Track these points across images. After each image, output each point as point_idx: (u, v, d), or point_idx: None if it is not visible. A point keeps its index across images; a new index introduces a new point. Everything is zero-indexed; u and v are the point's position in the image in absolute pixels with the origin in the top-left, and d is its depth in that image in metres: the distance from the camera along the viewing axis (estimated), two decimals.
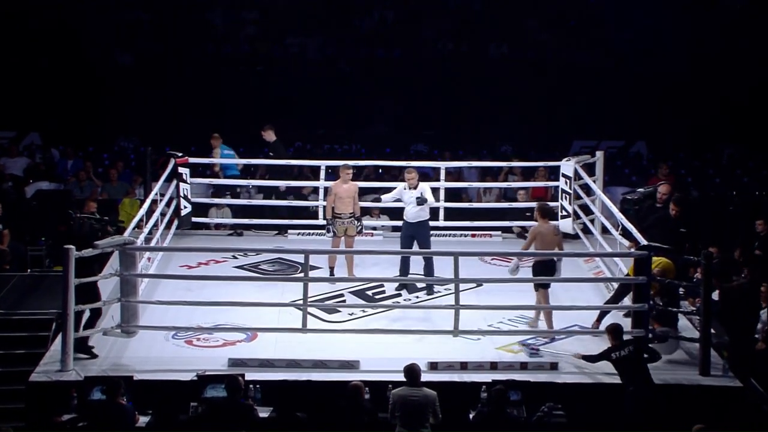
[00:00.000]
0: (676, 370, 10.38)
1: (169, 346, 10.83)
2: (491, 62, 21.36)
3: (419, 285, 12.42)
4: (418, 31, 21.72)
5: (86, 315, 10.47)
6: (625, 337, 10.06)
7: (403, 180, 12.62)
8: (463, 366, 10.25)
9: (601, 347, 10.30)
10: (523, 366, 10.31)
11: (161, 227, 13.19)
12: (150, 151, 14.44)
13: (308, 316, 10.86)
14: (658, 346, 10.37)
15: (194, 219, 14.51)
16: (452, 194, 14.91)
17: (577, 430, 9.55)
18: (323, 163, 14.65)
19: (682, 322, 11.12)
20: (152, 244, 12.52)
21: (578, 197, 13.95)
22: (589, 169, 14.08)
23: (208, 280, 12.12)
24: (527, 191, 15.04)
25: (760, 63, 19.72)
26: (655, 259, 10.62)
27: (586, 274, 13.04)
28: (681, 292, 11.38)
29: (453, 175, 15.80)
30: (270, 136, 14.83)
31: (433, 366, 10.18)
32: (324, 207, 13.46)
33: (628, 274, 11.16)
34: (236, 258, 13.54)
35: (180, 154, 14.13)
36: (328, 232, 12.69)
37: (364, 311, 11.68)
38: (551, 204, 13.92)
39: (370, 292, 12.37)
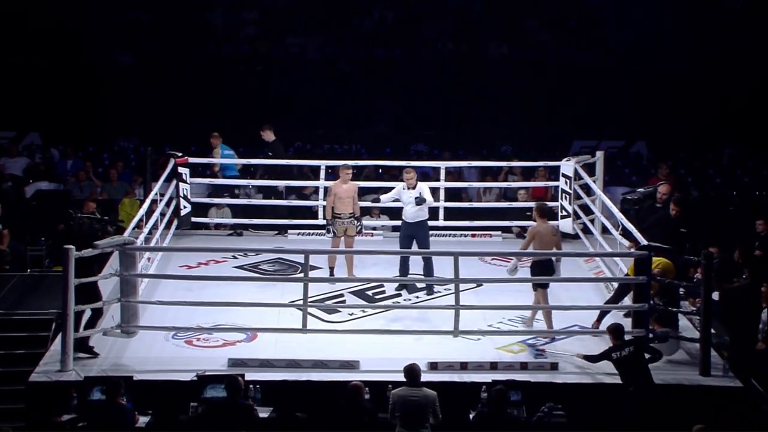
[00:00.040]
0: (677, 370, 10.38)
1: (169, 347, 10.82)
2: (491, 62, 21.35)
3: (419, 285, 12.41)
4: (418, 31, 21.72)
5: (87, 315, 10.47)
6: (626, 337, 10.05)
7: (402, 180, 12.62)
8: (463, 366, 10.24)
9: (601, 347, 10.30)
10: (523, 366, 10.31)
11: (161, 227, 13.18)
12: (150, 151, 14.44)
13: (308, 316, 10.86)
14: (659, 346, 10.36)
15: (194, 219, 14.50)
16: (452, 194, 14.91)
17: (577, 430, 9.55)
18: (323, 163, 14.64)
19: (683, 322, 11.12)
20: (152, 244, 12.51)
21: (578, 197, 13.94)
22: (589, 169, 14.08)
23: (208, 280, 12.11)
24: (527, 191, 15.03)
25: (760, 63, 19.71)
26: (654, 259, 10.62)
27: (587, 274, 13.04)
28: (681, 293, 11.37)
29: (453, 175, 15.79)
30: (269, 136, 14.83)
31: (433, 366, 10.17)
32: (324, 207, 13.46)
33: (627, 274, 11.16)
34: (236, 258, 13.54)
35: (180, 154, 14.13)
36: (328, 232, 12.69)
37: (364, 311, 11.67)
38: (551, 204, 14.00)
39: (370, 293, 12.37)
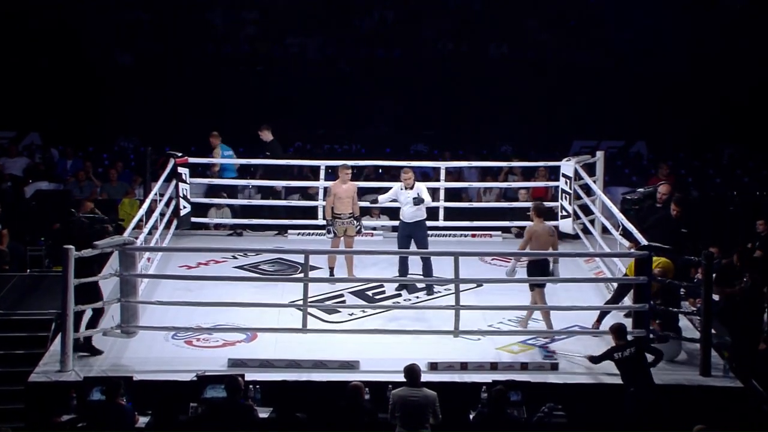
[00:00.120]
0: (677, 370, 10.37)
1: (168, 347, 10.81)
2: (491, 62, 21.35)
3: (419, 285, 12.40)
4: (418, 31, 21.71)
5: (88, 314, 10.47)
6: (628, 338, 10.03)
7: (401, 180, 12.61)
8: (463, 366, 10.24)
9: (601, 347, 10.30)
10: (524, 366, 10.30)
11: (161, 227, 13.17)
12: (150, 151, 14.43)
13: (308, 316, 10.85)
14: (660, 346, 10.34)
15: (193, 219, 14.48)
16: (452, 194, 14.90)
17: (577, 430, 9.54)
18: (323, 163, 14.63)
19: (683, 322, 11.10)
20: (152, 244, 12.50)
21: (578, 197, 13.93)
22: (590, 169, 14.07)
23: (208, 281, 12.11)
24: (528, 191, 15.02)
25: (760, 63, 19.71)
26: (654, 258, 10.61)
27: (587, 275, 13.03)
28: (682, 293, 11.36)
29: (453, 175, 15.78)
30: (267, 135, 14.81)
31: (433, 366, 10.17)
32: (323, 207, 13.46)
33: (626, 274, 11.15)
34: (236, 258, 13.53)
35: (179, 154, 14.12)
36: (329, 233, 12.68)
37: (364, 311, 11.67)
38: (551, 204, 14.00)
39: (370, 293, 12.36)
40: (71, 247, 10.01)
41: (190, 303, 11.12)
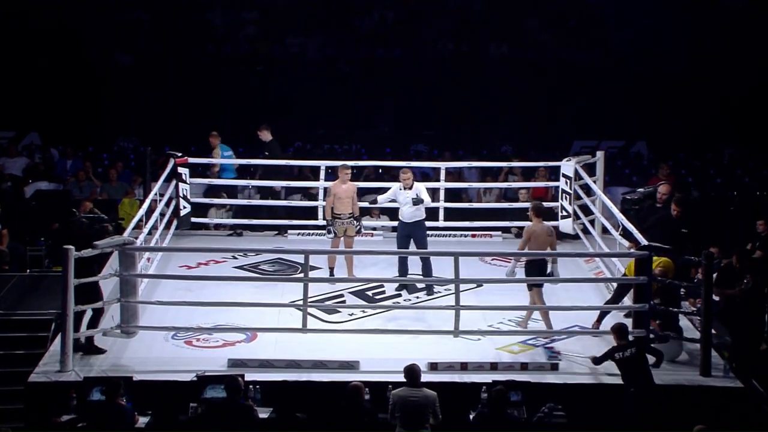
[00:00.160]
0: (677, 370, 10.37)
1: (168, 347, 10.81)
2: (491, 62, 21.35)
3: (419, 285, 12.40)
4: (418, 31, 21.71)
5: (88, 314, 10.47)
6: (629, 338, 10.03)
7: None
8: (463, 366, 10.24)
9: (601, 347, 10.30)
10: (524, 366, 10.30)
11: (161, 227, 13.17)
12: (149, 151, 14.43)
13: (308, 316, 10.85)
14: (660, 346, 10.35)
15: (193, 219, 14.48)
16: (452, 194, 14.90)
17: (577, 430, 9.54)
18: (323, 164, 14.63)
19: (683, 322, 11.10)
20: (152, 244, 12.50)
21: (578, 197, 13.93)
22: (590, 169, 14.07)
23: (208, 281, 12.10)
24: (528, 191, 15.02)
25: (760, 63, 19.71)
26: (655, 258, 10.61)
27: (587, 275, 13.03)
28: (682, 293, 11.36)
29: (453, 175, 15.78)
30: (266, 135, 14.80)
31: (433, 366, 10.16)
32: (323, 207, 13.45)
33: (625, 274, 11.15)
34: (236, 258, 13.53)
35: (179, 154, 14.11)
36: (329, 233, 12.67)
37: (364, 312, 11.66)
38: (551, 204, 13.99)
39: (370, 293, 12.36)
40: (71, 247, 10.01)
41: (190, 303, 11.12)
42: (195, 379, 9.75)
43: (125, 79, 19.88)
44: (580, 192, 13.94)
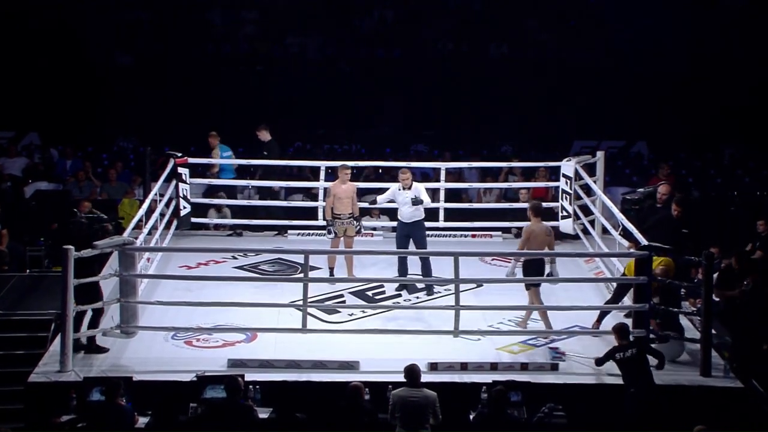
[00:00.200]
0: (678, 370, 10.35)
1: (168, 347, 10.80)
2: (491, 62, 21.36)
3: (419, 285, 12.39)
4: (418, 31, 21.72)
5: (89, 314, 10.46)
6: (630, 338, 10.02)
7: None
8: (464, 367, 10.22)
9: (601, 347, 10.29)
10: (524, 367, 10.28)
11: (160, 227, 13.16)
12: (149, 151, 14.42)
13: (308, 316, 10.84)
14: (660, 347, 10.34)
15: (193, 219, 14.47)
16: (452, 195, 14.89)
17: (577, 430, 9.53)
18: (323, 164, 14.62)
19: (683, 322, 11.09)
20: (151, 244, 12.49)
21: (579, 198, 13.92)
22: (590, 169, 14.06)
23: (208, 281, 12.09)
24: (528, 191, 15.01)
25: (760, 63, 19.71)
26: (656, 258, 10.60)
27: (587, 275, 13.02)
28: (682, 293, 11.35)
29: (453, 175, 15.77)
30: (265, 135, 14.79)
31: (433, 367, 10.16)
32: (323, 208, 13.45)
33: (624, 274, 11.14)
34: (236, 258, 13.52)
35: (179, 154, 14.10)
36: (329, 233, 12.66)
37: (364, 312, 11.66)
38: (551, 204, 13.99)
39: (370, 293, 12.35)
40: (71, 247, 10.00)
41: (190, 303, 11.11)
42: (195, 379, 9.74)
43: (125, 79, 19.89)
44: (581, 192, 13.93)
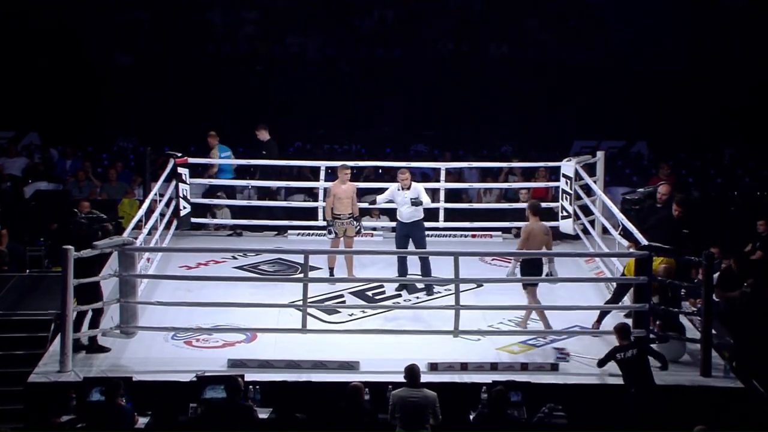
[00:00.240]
0: (678, 370, 10.35)
1: (168, 347, 10.79)
2: (491, 62, 21.36)
3: (419, 285, 12.39)
4: (418, 31, 21.72)
5: (90, 314, 10.46)
6: (631, 338, 10.01)
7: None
8: (464, 367, 10.22)
9: (601, 347, 10.28)
10: (524, 367, 10.28)
11: (160, 228, 13.15)
12: (149, 151, 14.42)
13: (308, 316, 10.84)
14: (661, 347, 10.34)
15: (193, 219, 14.47)
16: (452, 195, 14.89)
17: (577, 430, 9.53)
18: (323, 164, 14.62)
19: (683, 322, 11.08)
20: (151, 244, 12.49)
21: (579, 198, 13.91)
22: (590, 169, 14.06)
23: (208, 281, 12.09)
24: (528, 192, 15.00)
25: (759, 63, 19.70)
26: (657, 258, 10.59)
27: (587, 275, 13.02)
28: (682, 293, 11.35)
29: (453, 175, 15.77)
30: (264, 135, 14.78)
31: (433, 367, 10.15)
32: (323, 208, 13.44)
33: (624, 274, 11.14)
34: (236, 258, 13.51)
35: (179, 155, 14.10)
36: (329, 233, 12.66)
37: (363, 312, 11.65)
38: (552, 204, 13.98)
39: (370, 293, 12.35)
40: (71, 247, 10.00)
41: (189, 303, 11.11)
42: (195, 379, 9.73)
43: (125, 79, 19.89)
44: (581, 192, 13.93)
